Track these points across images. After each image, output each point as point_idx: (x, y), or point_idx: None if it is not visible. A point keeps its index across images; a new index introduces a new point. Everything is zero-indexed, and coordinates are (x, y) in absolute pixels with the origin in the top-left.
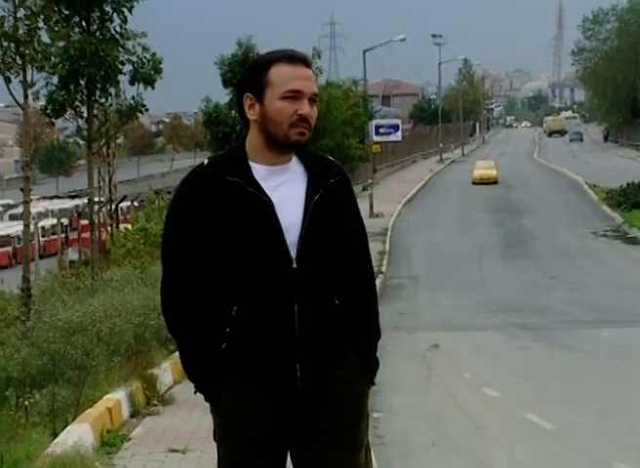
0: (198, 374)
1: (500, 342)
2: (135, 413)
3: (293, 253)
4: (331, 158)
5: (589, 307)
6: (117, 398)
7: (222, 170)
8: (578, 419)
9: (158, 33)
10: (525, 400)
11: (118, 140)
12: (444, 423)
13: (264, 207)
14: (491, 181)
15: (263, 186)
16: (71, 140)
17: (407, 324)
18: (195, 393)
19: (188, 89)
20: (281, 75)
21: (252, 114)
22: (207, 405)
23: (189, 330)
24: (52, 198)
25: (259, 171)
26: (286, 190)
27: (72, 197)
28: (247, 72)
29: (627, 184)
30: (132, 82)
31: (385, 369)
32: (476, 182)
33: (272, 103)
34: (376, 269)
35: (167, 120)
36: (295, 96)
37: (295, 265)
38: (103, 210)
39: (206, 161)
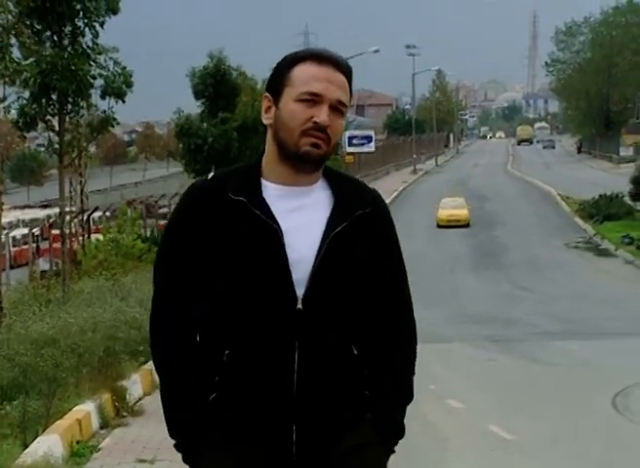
0: (180, 430)
1: (467, 354)
2: (104, 424)
3: (299, 292)
4: (366, 185)
5: (558, 319)
6: (87, 409)
7: (227, 186)
8: (538, 430)
9: (132, 41)
10: (488, 411)
11: (90, 150)
12: (407, 434)
13: (270, 234)
14: (460, 224)
15: (273, 209)
16: (42, 150)
17: None
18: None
19: (161, 97)
20: (302, 75)
21: (267, 118)
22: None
23: (176, 373)
24: (23, 208)
25: (271, 190)
26: (302, 217)
27: (44, 207)
28: (272, 71)
29: (600, 196)
30: (103, 96)
31: None
32: (442, 225)
33: (287, 105)
34: None
35: (139, 129)
36: (313, 99)
37: (299, 306)
38: (75, 220)
39: (211, 174)
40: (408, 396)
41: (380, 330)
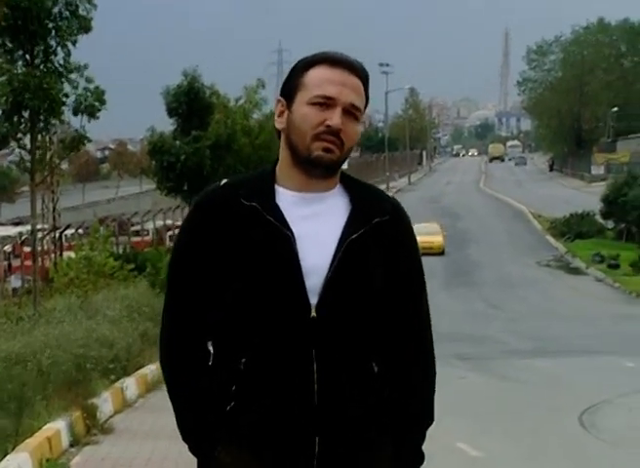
0: (197, 438)
1: (437, 372)
2: (74, 442)
3: (313, 300)
4: (386, 193)
5: (528, 337)
6: (57, 427)
7: (240, 192)
8: (506, 448)
9: (106, 58)
10: (457, 429)
11: (63, 167)
12: None
13: (283, 240)
14: (434, 252)
15: (287, 216)
16: (14, 167)
17: None
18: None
19: (135, 115)
20: (316, 78)
21: (280, 122)
22: (145, 433)
23: (191, 384)
24: None
25: (285, 197)
26: (317, 224)
27: (15, 224)
28: (287, 75)
29: (571, 214)
30: (75, 113)
31: None
32: None
33: (299, 108)
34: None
35: (113, 146)
36: (326, 103)
37: (314, 314)
38: (47, 237)
39: (223, 181)
40: (430, 420)
41: (400, 347)
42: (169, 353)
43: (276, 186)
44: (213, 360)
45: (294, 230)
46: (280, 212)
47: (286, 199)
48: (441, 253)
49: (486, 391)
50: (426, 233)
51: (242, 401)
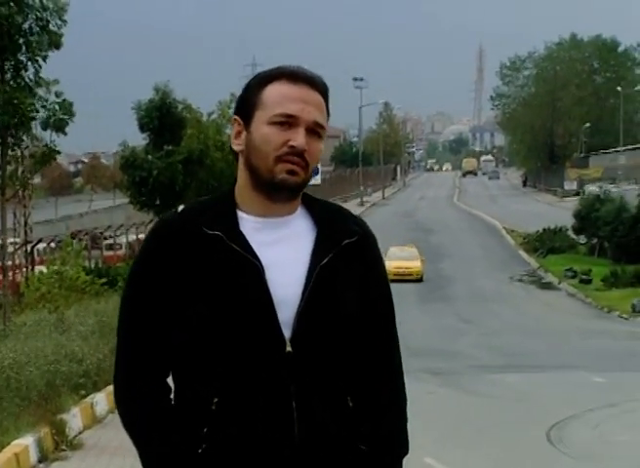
0: None
1: (407, 387)
2: (43, 458)
3: (287, 333)
4: (351, 212)
5: (498, 352)
6: (25, 443)
7: (200, 219)
8: (473, 463)
9: (80, 73)
10: (425, 444)
11: (35, 181)
12: None
13: (251, 270)
14: (412, 278)
15: (252, 243)
16: None
17: None
18: None
19: (108, 128)
20: (275, 95)
21: (237, 144)
22: (113, 449)
23: (156, 426)
24: None
25: (247, 223)
26: (283, 251)
27: None
28: (242, 91)
29: (544, 230)
30: (44, 128)
31: None
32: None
33: (259, 128)
34: None
35: (86, 160)
36: (288, 122)
37: (289, 348)
38: (19, 252)
39: (181, 207)
40: (404, 449)
41: (372, 377)
42: (127, 395)
43: (238, 212)
44: (175, 397)
45: (261, 259)
46: (245, 239)
47: (249, 225)
48: (419, 279)
49: (455, 406)
50: (403, 258)
51: (215, 443)
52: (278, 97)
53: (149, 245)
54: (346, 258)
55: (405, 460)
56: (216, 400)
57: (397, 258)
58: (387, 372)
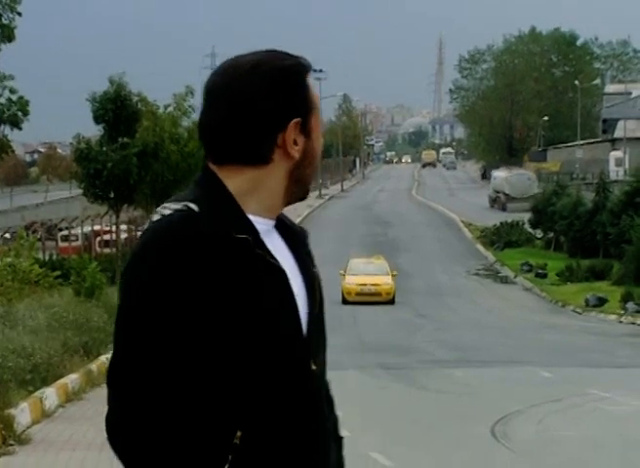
0: None
1: (360, 382)
2: None
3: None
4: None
5: (451, 347)
6: None
7: (223, 220)
8: (418, 457)
9: (36, 62)
10: (372, 439)
11: None
12: None
13: (279, 279)
14: (381, 299)
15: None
16: None
17: None
18: None
19: (65, 118)
20: (316, 95)
21: (296, 150)
22: (62, 443)
23: None
24: None
25: (258, 226)
26: (282, 255)
27: None
28: (294, 86)
29: (501, 223)
30: None
31: None
32: (352, 301)
33: (318, 136)
34: None
35: (42, 149)
36: None
37: (313, 366)
38: None
39: (194, 206)
40: None
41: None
42: (138, 440)
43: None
44: (187, 431)
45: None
46: (265, 244)
47: (259, 228)
48: (390, 301)
49: (404, 401)
50: (369, 272)
51: None
52: (316, 96)
53: (174, 258)
54: (310, 261)
55: (352, 455)
56: (239, 433)
57: (361, 273)
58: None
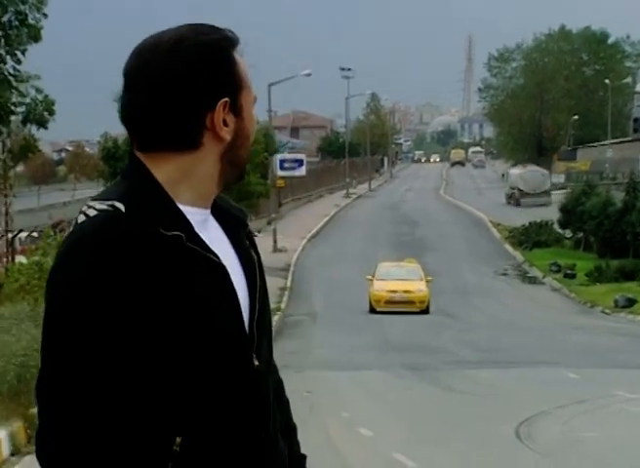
0: None
1: (384, 382)
2: (15, 452)
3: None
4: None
5: (477, 347)
6: None
7: (151, 219)
8: (441, 458)
9: (64, 59)
10: (396, 439)
11: (17, 169)
12: (314, 462)
13: (219, 274)
14: (414, 309)
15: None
16: None
17: (297, 363)
18: None
19: (93, 116)
20: (245, 69)
21: (227, 131)
22: None
23: None
24: None
25: (191, 217)
26: (219, 246)
27: None
28: (218, 62)
29: (529, 223)
30: (24, 123)
31: None
32: (381, 310)
33: (250, 114)
34: (275, 306)
35: (70, 148)
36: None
37: (257, 362)
38: None
39: (120, 205)
40: None
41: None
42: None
43: (178, 205)
44: (120, 438)
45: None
46: (201, 239)
47: (193, 219)
48: (424, 310)
49: (429, 402)
50: (400, 277)
51: None
52: (247, 71)
53: (97, 255)
54: (251, 245)
55: (374, 456)
56: (180, 439)
57: (391, 279)
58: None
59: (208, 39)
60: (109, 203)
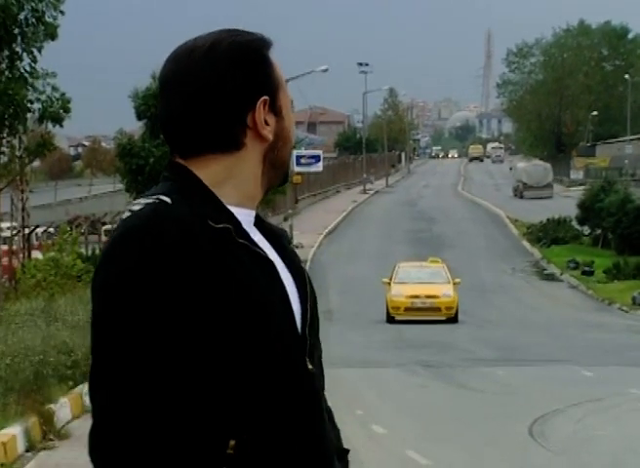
0: None
1: (399, 380)
2: (30, 448)
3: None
4: None
5: (492, 345)
6: (13, 433)
7: (200, 211)
8: (454, 456)
9: (80, 55)
10: (409, 437)
11: (34, 164)
12: None
13: (269, 270)
14: (440, 316)
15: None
16: None
17: None
18: None
19: (109, 111)
20: (281, 72)
21: (269, 130)
22: None
23: None
24: None
25: (239, 218)
26: (266, 248)
27: None
28: (258, 63)
29: (547, 220)
30: (40, 120)
31: None
32: (398, 318)
33: (289, 115)
34: None
35: (86, 143)
36: None
37: (310, 366)
38: (16, 237)
39: (166, 199)
40: None
41: None
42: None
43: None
44: (173, 441)
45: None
46: (248, 234)
47: (240, 219)
48: (452, 318)
49: (443, 399)
50: (423, 280)
51: None
52: (282, 73)
53: (153, 250)
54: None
55: (388, 453)
56: (233, 443)
57: (413, 282)
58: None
59: (243, 40)
60: (155, 197)
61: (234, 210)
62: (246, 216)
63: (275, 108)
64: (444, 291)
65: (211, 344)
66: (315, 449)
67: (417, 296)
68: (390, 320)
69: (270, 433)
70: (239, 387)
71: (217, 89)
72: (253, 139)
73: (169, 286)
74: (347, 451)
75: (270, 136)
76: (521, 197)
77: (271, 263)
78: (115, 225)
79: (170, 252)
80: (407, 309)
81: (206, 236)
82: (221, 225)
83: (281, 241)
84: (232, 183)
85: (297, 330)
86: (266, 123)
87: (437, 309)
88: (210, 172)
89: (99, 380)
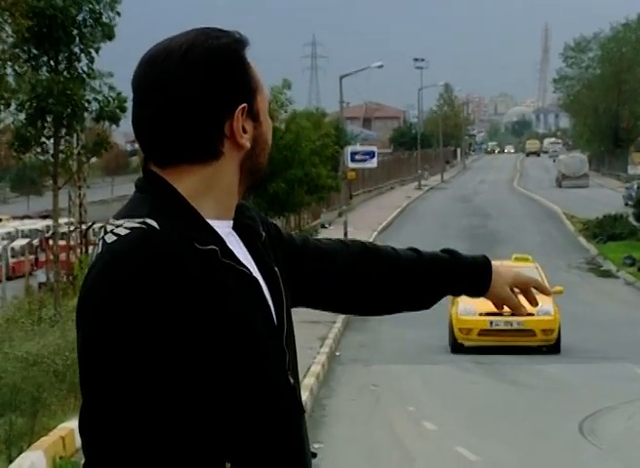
0: None
1: (450, 376)
2: None
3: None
4: None
5: None
6: (71, 427)
7: (187, 234)
8: (503, 452)
9: (135, 55)
10: (459, 433)
11: (91, 160)
12: (379, 455)
13: (255, 289)
14: (532, 343)
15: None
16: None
17: (365, 356)
18: None
19: None
20: (258, 72)
21: (247, 138)
22: None
23: None
24: (22, 218)
25: (220, 232)
26: (245, 260)
27: (43, 217)
28: (231, 66)
29: (604, 216)
30: (97, 119)
31: (335, 400)
32: (468, 345)
33: (266, 119)
34: None
35: None
36: None
37: (292, 380)
38: (73, 234)
39: (153, 222)
40: None
41: None
42: None
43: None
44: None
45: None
46: (232, 252)
47: (221, 233)
48: (553, 346)
49: (495, 396)
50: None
51: None
52: (259, 73)
53: (143, 278)
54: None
55: (437, 449)
56: (229, 465)
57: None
58: None
59: (219, 43)
60: (140, 220)
61: (214, 223)
62: (225, 229)
63: (253, 113)
64: (540, 305)
65: (202, 368)
66: (297, 462)
67: (497, 314)
68: (457, 348)
69: (263, 451)
70: (232, 408)
71: (194, 97)
72: (230, 148)
73: (160, 313)
74: (315, 455)
75: (248, 145)
76: (559, 186)
77: (256, 281)
78: (99, 243)
79: (159, 280)
80: (482, 332)
81: (193, 260)
82: (209, 247)
83: (253, 241)
84: (211, 196)
85: (281, 346)
86: (244, 130)
87: (530, 333)
88: (188, 183)
89: (89, 410)
